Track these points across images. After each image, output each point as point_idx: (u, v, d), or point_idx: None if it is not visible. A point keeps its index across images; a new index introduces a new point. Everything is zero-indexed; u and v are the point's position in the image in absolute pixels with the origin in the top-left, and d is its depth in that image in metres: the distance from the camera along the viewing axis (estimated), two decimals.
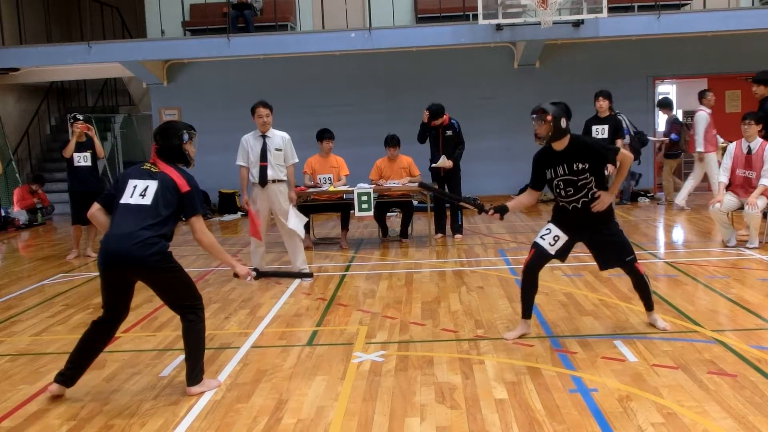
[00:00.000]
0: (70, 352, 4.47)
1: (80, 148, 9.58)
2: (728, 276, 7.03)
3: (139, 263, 4.17)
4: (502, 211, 5.17)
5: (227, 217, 13.98)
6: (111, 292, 4.36)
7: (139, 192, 4.29)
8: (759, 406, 3.87)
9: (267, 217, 7.69)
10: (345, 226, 9.91)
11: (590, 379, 4.38)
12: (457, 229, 10.02)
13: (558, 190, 5.03)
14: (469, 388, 4.31)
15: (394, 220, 11.62)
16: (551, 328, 5.48)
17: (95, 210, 4.42)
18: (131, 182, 4.36)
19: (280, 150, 7.62)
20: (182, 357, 5.11)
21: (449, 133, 9.67)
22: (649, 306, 5.32)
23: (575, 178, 4.93)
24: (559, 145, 4.93)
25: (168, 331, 5.88)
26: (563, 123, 4.85)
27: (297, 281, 7.55)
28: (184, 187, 4.32)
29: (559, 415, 3.86)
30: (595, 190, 4.95)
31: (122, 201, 4.31)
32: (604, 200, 4.96)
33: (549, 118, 4.81)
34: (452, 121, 9.75)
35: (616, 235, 5.11)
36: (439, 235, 10.10)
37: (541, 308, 6.06)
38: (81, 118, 9.68)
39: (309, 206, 9.88)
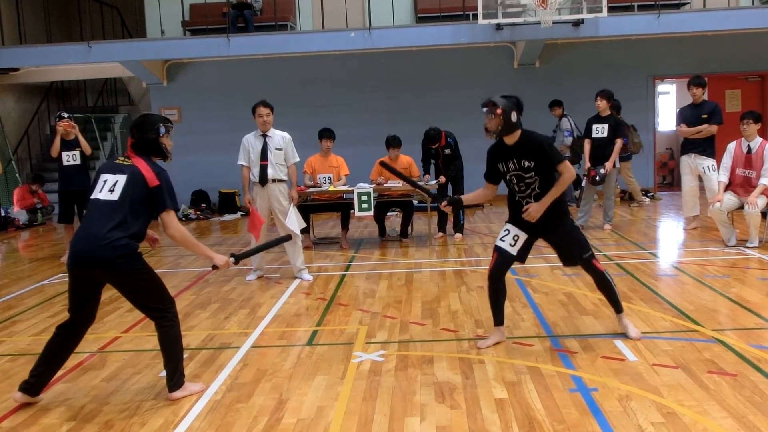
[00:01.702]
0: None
1: (68, 147, 9.59)
2: (728, 275, 7.03)
3: (104, 265, 4.06)
4: (455, 203, 5.14)
5: (227, 217, 13.98)
6: (78, 293, 4.25)
7: (108, 187, 4.17)
8: (759, 405, 3.87)
9: (267, 217, 7.70)
10: (345, 225, 9.91)
11: (590, 378, 4.38)
12: (459, 228, 10.04)
13: (511, 185, 4.98)
14: (469, 388, 4.31)
15: (394, 219, 11.63)
16: (551, 328, 5.48)
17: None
18: (102, 177, 4.24)
19: (280, 149, 7.64)
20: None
21: (448, 151, 10.03)
22: (616, 307, 5.12)
23: (524, 175, 4.87)
24: (510, 139, 4.87)
25: None
26: (513, 117, 4.79)
27: (297, 281, 7.56)
28: (153, 181, 4.17)
29: (559, 415, 3.86)
30: (538, 191, 4.85)
31: (92, 196, 4.22)
32: (531, 210, 4.84)
33: (499, 111, 4.76)
34: (448, 139, 10.03)
35: (571, 232, 4.99)
36: (440, 234, 10.11)
37: (541, 308, 6.06)
38: (66, 116, 9.69)
39: (309, 206, 9.89)
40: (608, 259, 7.73)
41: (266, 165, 7.58)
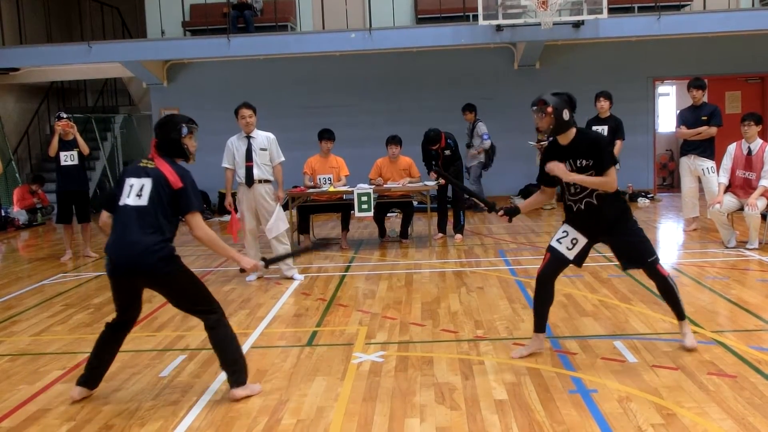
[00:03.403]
0: (69, 353, 4.45)
1: (66, 147, 9.60)
2: (728, 277, 7.03)
3: (145, 273, 4.08)
4: (511, 213, 4.85)
5: (227, 218, 13.93)
6: (121, 298, 4.31)
7: (136, 192, 4.18)
8: (758, 407, 3.88)
9: (254, 218, 7.71)
10: (345, 226, 9.91)
11: (590, 379, 4.38)
12: (459, 229, 10.05)
13: (568, 187, 4.65)
14: (469, 389, 4.30)
15: (394, 220, 11.63)
16: (551, 329, 5.47)
17: (105, 218, 4.34)
18: (128, 181, 4.24)
19: (265, 149, 7.69)
20: (182, 357, 5.15)
21: (448, 152, 10.04)
22: (679, 314, 4.82)
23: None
24: (564, 138, 4.60)
25: (168, 331, 5.88)
26: (566, 115, 4.52)
27: (297, 282, 7.56)
28: (177, 183, 4.15)
29: (559, 416, 3.86)
30: (594, 194, 4.58)
31: (121, 202, 4.22)
32: (560, 168, 4.54)
33: (549, 110, 4.50)
34: (448, 140, 10.04)
35: (635, 234, 4.67)
36: (440, 235, 10.11)
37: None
38: (65, 116, 9.69)
39: (309, 207, 9.89)
40: (607, 260, 7.73)
41: (251, 166, 7.61)
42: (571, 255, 4.70)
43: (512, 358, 4.81)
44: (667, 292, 4.76)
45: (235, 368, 4.30)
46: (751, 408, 3.86)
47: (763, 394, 4.04)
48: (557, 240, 4.74)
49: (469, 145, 12.77)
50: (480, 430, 3.75)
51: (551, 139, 4.71)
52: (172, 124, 4.34)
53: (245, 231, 7.73)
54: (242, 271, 4.54)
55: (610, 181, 4.52)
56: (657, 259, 4.71)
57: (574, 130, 4.60)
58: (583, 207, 4.62)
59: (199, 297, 4.28)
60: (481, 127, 12.56)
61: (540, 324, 4.85)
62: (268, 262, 4.66)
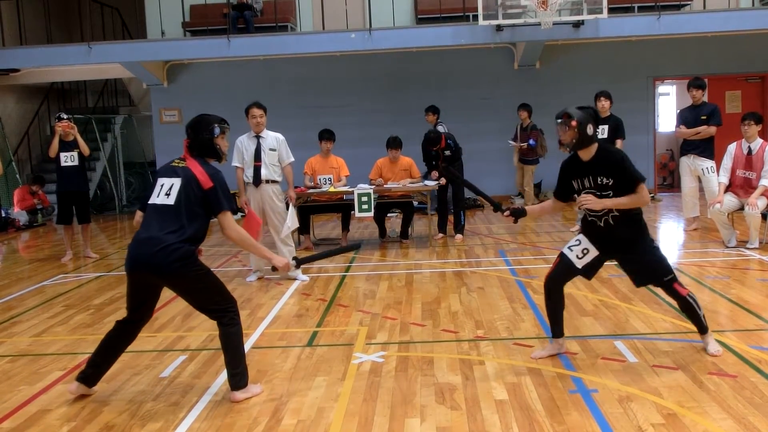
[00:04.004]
0: (69, 353, 4.45)
1: (66, 148, 9.60)
2: (728, 276, 7.03)
3: (160, 270, 4.08)
4: (517, 214, 4.75)
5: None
6: (135, 295, 4.30)
7: (165, 191, 4.18)
8: (759, 406, 3.88)
9: (261, 219, 7.71)
10: (346, 226, 9.91)
11: (590, 379, 4.38)
12: (460, 229, 10.05)
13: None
14: (470, 389, 4.31)
15: (394, 221, 11.63)
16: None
17: (138, 218, 4.39)
18: (160, 181, 4.26)
19: (274, 150, 7.69)
20: (183, 358, 5.15)
21: (448, 152, 10.02)
22: (700, 329, 4.75)
23: (598, 193, 4.49)
24: (586, 154, 4.52)
25: (168, 331, 5.88)
26: (590, 129, 4.43)
27: (297, 282, 7.56)
28: (207, 183, 4.15)
29: (559, 416, 3.86)
30: (615, 212, 4.49)
31: (150, 201, 4.23)
32: (589, 200, 4.48)
33: (574, 123, 4.41)
34: (448, 141, 10.03)
35: (650, 253, 4.58)
36: (440, 235, 10.12)
37: (542, 309, 6.03)
38: (65, 117, 9.70)
39: (309, 207, 9.89)
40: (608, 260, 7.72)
41: (260, 166, 7.61)
42: (579, 264, 4.65)
43: (532, 358, 4.79)
44: (688, 310, 4.67)
45: (237, 371, 4.30)
46: (751, 407, 3.86)
47: (764, 394, 4.04)
48: (569, 247, 4.71)
49: None
50: (480, 430, 3.75)
51: (571, 152, 4.62)
52: (204, 123, 4.33)
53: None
54: (274, 269, 4.48)
55: (643, 196, 4.46)
56: (674, 278, 4.61)
57: (596, 146, 4.53)
58: (602, 224, 4.57)
59: (215, 296, 4.25)
60: (440, 130, 12.25)
61: (557, 330, 4.82)
62: (299, 261, 4.66)
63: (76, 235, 10.32)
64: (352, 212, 9.62)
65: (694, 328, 5.05)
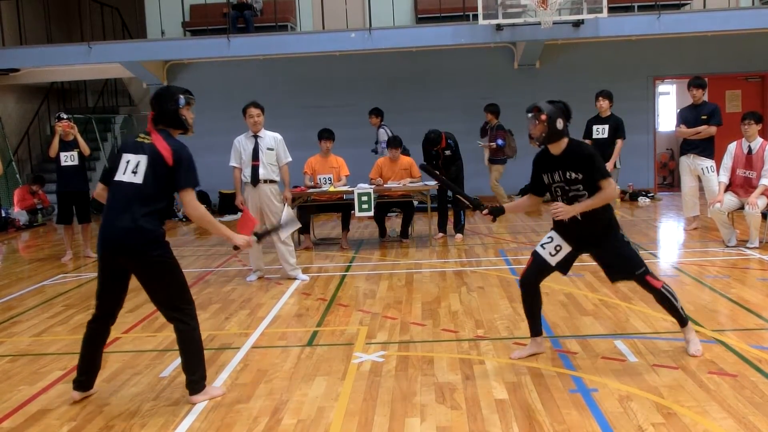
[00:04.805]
0: (69, 353, 4.44)
1: (66, 147, 9.60)
2: (728, 276, 7.03)
3: (130, 252, 4.04)
4: (496, 212, 4.76)
5: (228, 218, 13.96)
6: (105, 282, 4.26)
7: (132, 168, 4.11)
8: (759, 406, 3.87)
9: (258, 218, 7.71)
10: (346, 226, 9.91)
11: (590, 379, 4.38)
12: (460, 229, 10.05)
13: (556, 197, 4.63)
14: (470, 389, 4.30)
15: (394, 220, 11.63)
16: (551, 329, 5.47)
17: (100, 190, 4.30)
18: (125, 157, 4.17)
19: (272, 149, 7.70)
20: None
21: (448, 152, 10.03)
22: (680, 321, 4.72)
23: (568, 188, 4.53)
24: (556, 148, 4.53)
25: (168, 331, 5.86)
26: (559, 124, 4.44)
27: (297, 282, 7.56)
28: (171, 159, 4.09)
29: (560, 416, 3.86)
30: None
31: (116, 178, 4.16)
32: (560, 210, 4.51)
33: (543, 117, 4.42)
34: (449, 141, 10.03)
35: (620, 247, 4.60)
36: (440, 234, 10.11)
37: (542, 308, 6.05)
38: (65, 117, 9.70)
39: (309, 206, 9.89)
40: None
41: (258, 165, 7.61)
42: (553, 261, 4.67)
43: (511, 359, 4.79)
44: (664, 301, 4.66)
45: (195, 377, 4.27)
46: (751, 407, 3.86)
47: (764, 393, 4.03)
48: (541, 245, 4.72)
49: (374, 151, 12.43)
50: (480, 429, 3.75)
51: (542, 147, 4.62)
52: (168, 95, 4.25)
53: None
54: (236, 248, 4.47)
55: (609, 192, 4.46)
56: (646, 271, 4.60)
57: (566, 141, 4.53)
58: (567, 220, 4.58)
59: (178, 293, 4.20)
60: (381, 134, 12.09)
61: (535, 329, 4.83)
62: (259, 236, 4.64)
63: (76, 235, 10.32)
64: (352, 212, 9.62)
65: (695, 328, 5.05)
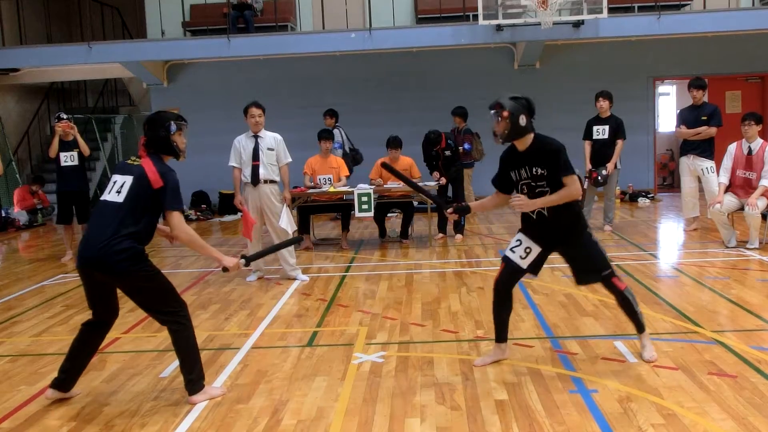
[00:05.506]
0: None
1: (66, 147, 9.61)
2: (728, 277, 7.03)
3: (106, 269, 4.05)
4: (461, 211, 4.79)
5: (227, 218, 13.98)
6: (91, 294, 4.26)
7: (117, 188, 4.16)
8: (759, 406, 3.88)
9: (258, 218, 7.72)
10: (345, 227, 9.91)
11: (590, 379, 4.38)
12: (459, 229, 10.05)
13: (523, 194, 4.55)
14: (470, 389, 4.31)
15: (394, 220, 11.63)
16: (551, 329, 5.48)
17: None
18: (114, 177, 4.24)
19: (272, 150, 7.70)
20: None
21: (448, 153, 10.06)
22: (638, 327, 4.71)
23: (534, 184, 4.47)
24: (522, 144, 4.46)
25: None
26: (522, 120, 4.38)
27: (297, 282, 7.56)
28: (158, 182, 4.12)
29: (559, 416, 3.86)
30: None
31: (102, 197, 4.21)
32: (520, 202, 4.47)
33: (505, 114, 4.36)
34: (449, 141, 10.06)
35: (588, 246, 4.55)
36: (440, 235, 10.11)
37: (541, 309, 6.06)
38: (65, 117, 9.71)
39: (309, 207, 9.89)
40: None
41: (258, 165, 7.62)
42: (524, 264, 4.61)
43: (475, 366, 4.70)
44: (624, 305, 4.63)
45: (192, 377, 4.28)
46: (751, 408, 3.86)
47: (764, 394, 4.04)
48: (511, 249, 4.66)
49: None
50: (480, 430, 3.75)
51: (507, 144, 4.58)
52: (160, 121, 4.30)
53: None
54: (225, 270, 4.47)
55: (573, 190, 4.40)
56: (612, 273, 4.57)
57: (531, 136, 4.47)
58: (535, 216, 4.55)
59: (163, 299, 4.21)
60: (336, 135, 11.78)
61: (500, 334, 4.76)
62: (248, 259, 4.63)
63: (76, 235, 10.32)
64: (352, 212, 9.62)
65: (695, 329, 5.07)
